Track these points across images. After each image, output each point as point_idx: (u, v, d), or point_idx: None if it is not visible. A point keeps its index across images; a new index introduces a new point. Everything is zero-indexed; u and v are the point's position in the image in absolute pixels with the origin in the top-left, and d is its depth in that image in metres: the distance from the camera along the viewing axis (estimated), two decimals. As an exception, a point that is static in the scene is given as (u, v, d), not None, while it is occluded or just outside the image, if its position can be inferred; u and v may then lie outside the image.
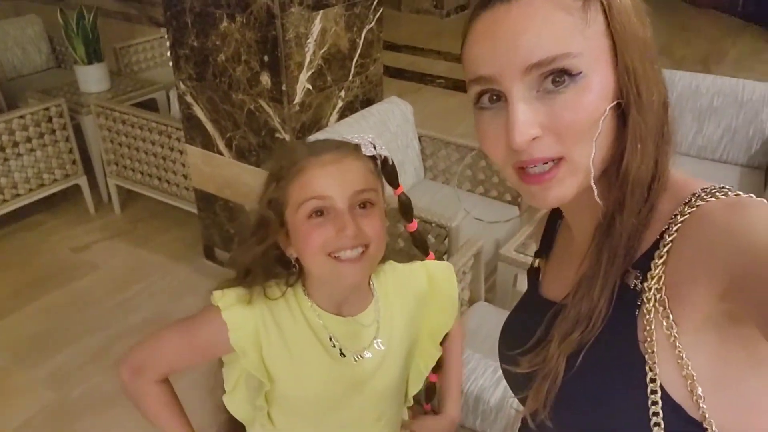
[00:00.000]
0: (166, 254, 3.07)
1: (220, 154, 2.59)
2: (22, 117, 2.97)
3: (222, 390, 1.06)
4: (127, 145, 3.09)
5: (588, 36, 0.57)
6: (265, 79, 2.30)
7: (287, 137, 2.34)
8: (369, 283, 1.05)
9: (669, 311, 0.57)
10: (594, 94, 0.57)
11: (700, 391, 0.57)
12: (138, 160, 3.09)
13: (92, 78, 3.43)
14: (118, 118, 3.03)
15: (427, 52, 6.07)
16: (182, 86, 2.57)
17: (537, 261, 0.83)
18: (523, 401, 0.72)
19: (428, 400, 1.23)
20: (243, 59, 2.32)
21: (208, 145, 2.61)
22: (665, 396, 0.58)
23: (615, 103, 0.59)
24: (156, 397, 1.06)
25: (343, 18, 2.41)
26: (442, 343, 1.12)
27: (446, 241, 2.14)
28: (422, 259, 1.12)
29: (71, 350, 2.48)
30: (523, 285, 2.06)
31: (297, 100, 2.34)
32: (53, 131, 3.10)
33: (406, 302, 1.08)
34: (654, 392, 0.58)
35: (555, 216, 0.83)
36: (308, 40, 2.30)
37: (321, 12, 2.30)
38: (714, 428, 0.57)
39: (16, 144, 2.98)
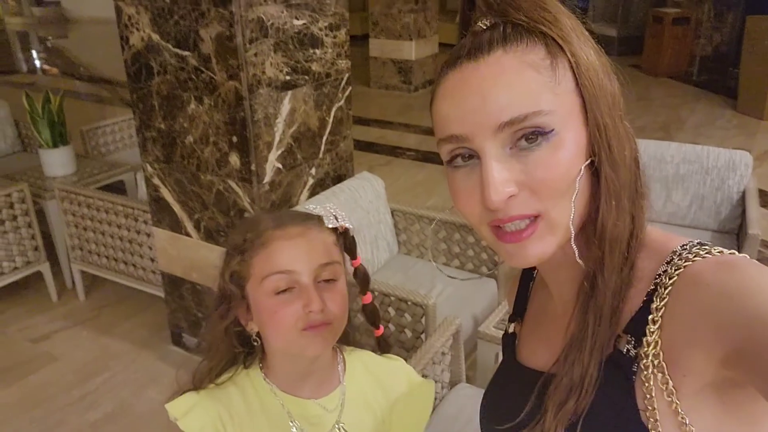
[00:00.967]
0: (131, 341, 2.92)
1: (188, 235, 2.52)
2: (-19, 203, 2.88)
3: None
4: (92, 230, 3.00)
5: (558, 93, 0.56)
6: (234, 159, 2.26)
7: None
8: (337, 367, 1.02)
9: (668, 377, 0.56)
10: (567, 151, 0.57)
11: None
12: (103, 244, 2.99)
13: (57, 161, 3.37)
14: (82, 202, 2.95)
15: (396, 125, 6.17)
16: (149, 168, 2.52)
17: (512, 326, 0.80)
18: None
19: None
20: (211, 140, 2.29)
21: (176, 226, 2.55)
22: None
23: (589, 161, 0.58)
24: None
25: (312, 97, 2.42)
26: None
27: (423, 319, 2.07)
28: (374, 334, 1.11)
29: (25, 452, 2.30)
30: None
31: (267, 179, 2.30)
32: (15, 217, 3.00)
33: (378, 396, 1.04)
34: None
35: (527, 276, 0.81)
36: (277, 120, 2.29)
37: (290, 92, 2.31)
38: None
39: (-26, 231, 2.88)
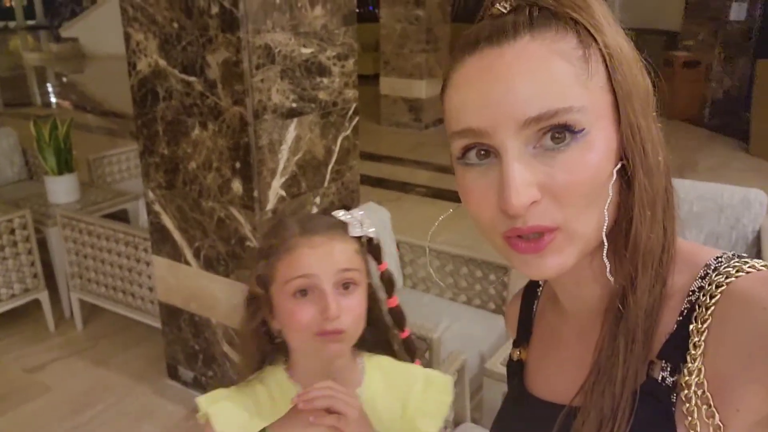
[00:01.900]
0: (127, 373, 2.84)
1: (188, 264, 2.46)
2: (-18, 228, 2.85)
3: None
4: (92, 257, 2.95)
5: (590, 88, 0.50)
6: (237, 186, 2.22)
7: (258, 245, 2.23)
8: (357, 369, 1.04)
9: (715, 410, 0.49)
10: (597, 154, 0.50)
11: None
12: (103, 272, 2.94)
13: (61, 189, 3.35)
14: (84, 229, 2.91)
15: (407, 162, 6.15)
16: (151, 195, 2.48)
17: (518, 352, 0.72)
18: None
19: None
20: (214, 166, 2.25)
21: (176, 255, 2.49)
22: None
23: (620, 165, 0.51)
24: None
25: (318, 126, 2.38)
26: None
27: (427, 354, 1.98)
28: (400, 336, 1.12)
29: (9, 487, 2.21)
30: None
31: (270, 206, 2.25)
32: (15, 243, 2.96)
33: (388, 402, 1.04)
34: None
35: (530, 295, 0.73)
36: (282, 147, 2.25)
37: (295, 119, 2.27)
38: None
39: (-27, 257, 2.84)
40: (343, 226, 0.98)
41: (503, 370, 1.89)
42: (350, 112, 2.52)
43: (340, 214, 1.01)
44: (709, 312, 0.50)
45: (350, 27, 2.43)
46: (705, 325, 0.50)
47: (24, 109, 9.05)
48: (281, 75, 2.19)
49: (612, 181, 0.51)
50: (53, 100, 10.66)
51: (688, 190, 2.97)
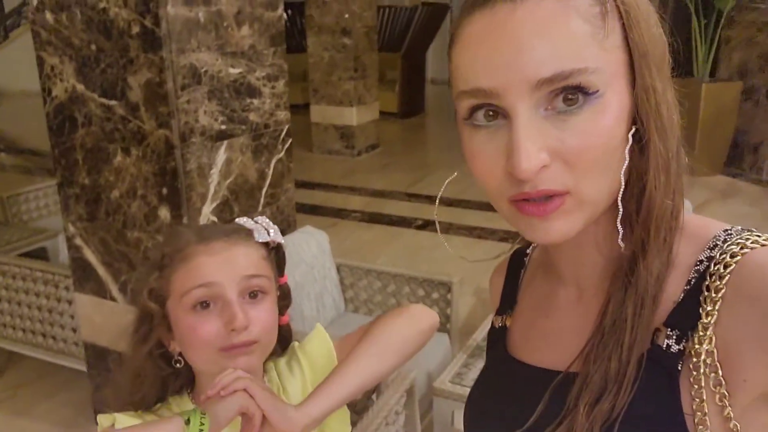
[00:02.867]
0: (51, 423, 2.62)
1: (114, 300, 2.31)
2: None
3: None
4: (7, 300, 2.73)
5: (606, 48, 0.48)
6: (164, 213, 2.11)
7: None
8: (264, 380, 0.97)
9: (722, 379, 0.49)
10: (611, 117, 0.48)
11: None
12: (20, 315, 2.72)
13: (-29, 229, 3.11)
14: (-3, 270, 2.70)
15: (341, 188, 6.11)
16: (71, 228, 2.33)
17: (500, 319, 0.70)
18: None
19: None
20: (139, 194, 2.13)
21: (100, 291, 2.33)
22: None
23: (633, 129, 0.50)
24: None
25: (250, 148, 2.31)
26: None
27: (374, 377, 1.91)
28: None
29: None
30: (460, 423, 1.84)
31: (201, 234, 2.14)
32: None
33: (295, 382, 0.98)
34: None
35: (516, 264, 0.72)
36: (212, 171, 2.16)
37: (225, 142, 2.19)
38: None
39: None
40: (246, 231, 0.91)
41: (452, 388, 1.85)
42: (283, 134, 2.46)
43: (243, 221, 0.94)
44: (724, 281, 0.50)
45: (279, 48, 2.39)
46: (719, 294, 0.50)
47: (-71, 150, 8.48)
48: (209, 96, 2.11)
49: (628, 146, 0.50)
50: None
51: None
